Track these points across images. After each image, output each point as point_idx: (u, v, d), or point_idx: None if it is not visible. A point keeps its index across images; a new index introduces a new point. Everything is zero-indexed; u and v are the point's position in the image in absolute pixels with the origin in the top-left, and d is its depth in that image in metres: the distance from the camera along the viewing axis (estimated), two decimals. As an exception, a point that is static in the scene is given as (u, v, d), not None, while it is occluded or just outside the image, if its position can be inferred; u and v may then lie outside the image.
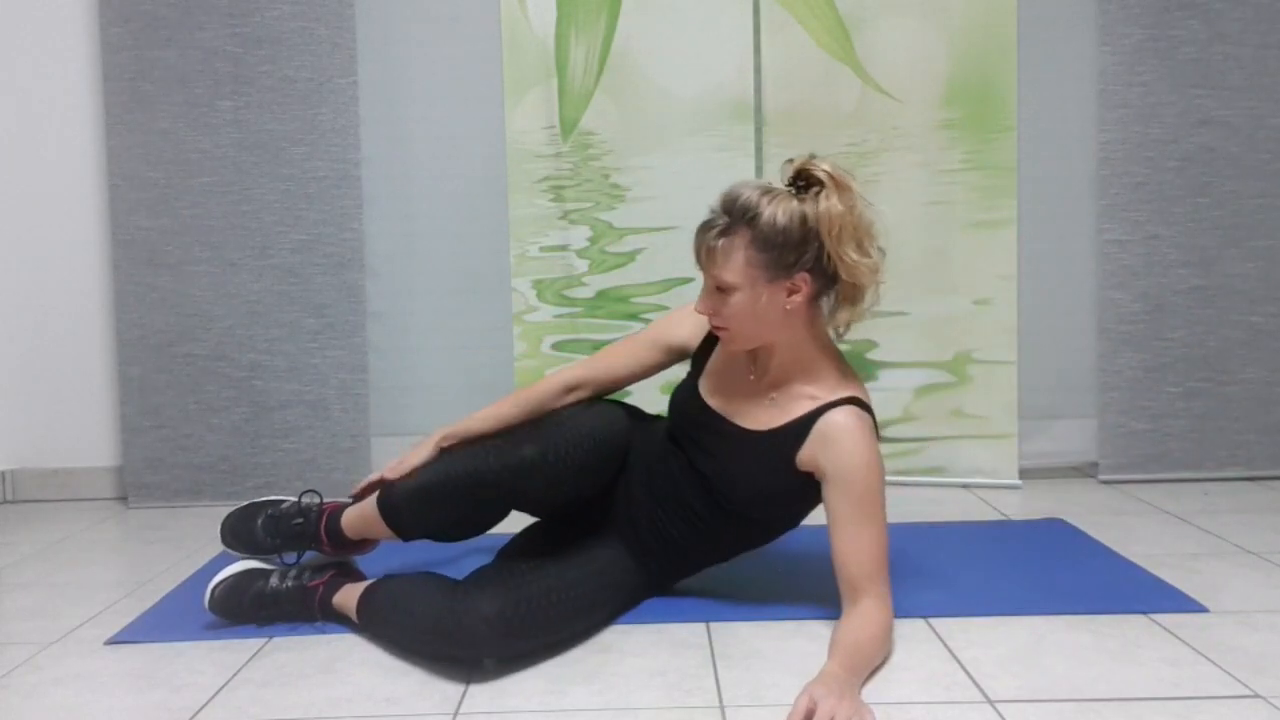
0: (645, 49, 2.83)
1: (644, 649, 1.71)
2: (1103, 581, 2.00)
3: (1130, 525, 2.41)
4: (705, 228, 1.68)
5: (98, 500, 2.97)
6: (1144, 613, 1.81)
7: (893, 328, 2.83)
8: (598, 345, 2.86)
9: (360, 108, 2.86)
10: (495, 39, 2.84)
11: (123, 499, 2.94)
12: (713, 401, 1.83)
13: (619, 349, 2.00)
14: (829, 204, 1.65)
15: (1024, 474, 2.84)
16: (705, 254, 1.68)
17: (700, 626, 1.80)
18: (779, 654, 1.68)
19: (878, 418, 1.77)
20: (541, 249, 2.87)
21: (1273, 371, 2.85)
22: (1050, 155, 2.90)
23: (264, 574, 1.87)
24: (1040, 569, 2.09)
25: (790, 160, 1.73)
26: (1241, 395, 2.85)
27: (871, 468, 1.68)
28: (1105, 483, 2.84)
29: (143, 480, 2.89)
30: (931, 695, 1.52)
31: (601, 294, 2.88)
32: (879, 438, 1.75)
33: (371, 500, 1.82)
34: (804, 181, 1.69)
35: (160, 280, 2.87)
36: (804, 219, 1.64)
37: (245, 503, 1.97)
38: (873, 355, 2.85)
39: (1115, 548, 2.20)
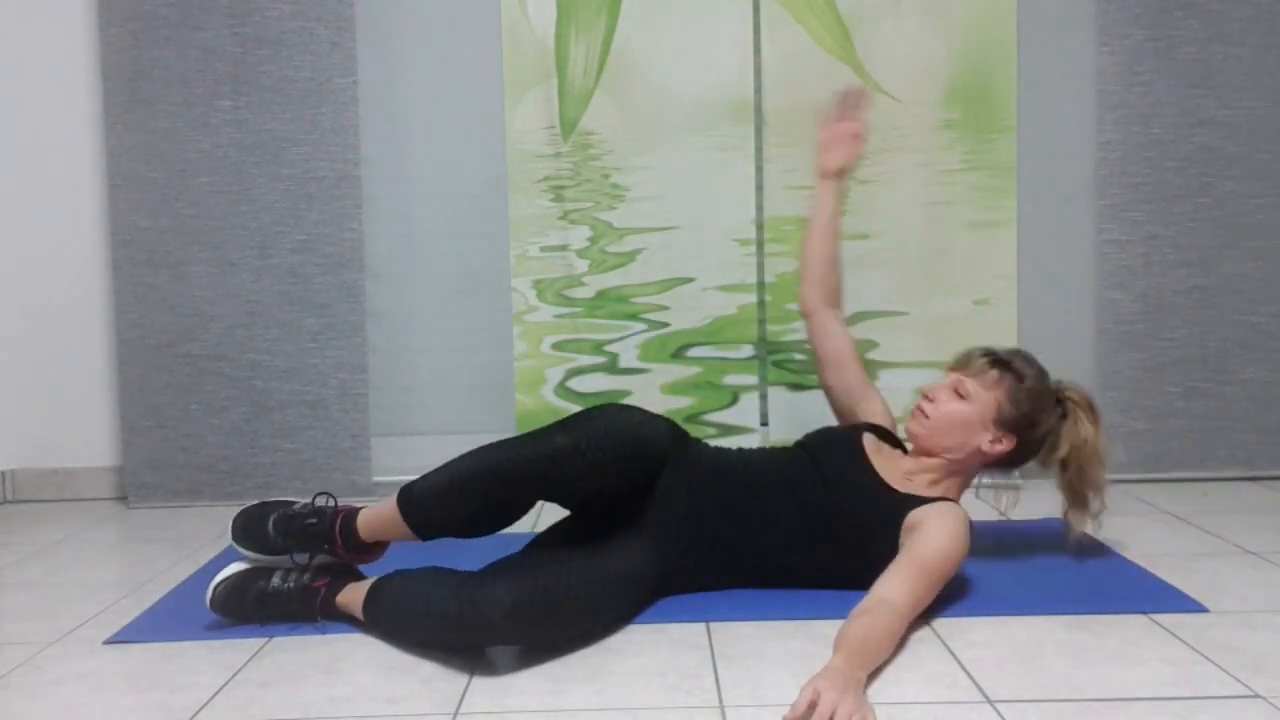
0: (645, 49, 2.83)
1: (644, 649, 1.72)
2: (1103, 581, 2.00)
3: (1130, 525, 2.41)
4: (985, 353, 1.99)
5: (98, 500, 2.97)
6: (1144, 613, 1.82)
7: (893, 328, 2.83)
8: (598, 345, 2.87)
9: (360, 108, 2.86)
10: (495, 39, 2.85)
11: (123, 499, 2.94)
12: (866, 450, 1.99)
13: (866, 380, 2.29)
14: (1085, 426, 2.02)
15: (1024, 474, 2.83)
16: (965, 360, 2.00)
17: (700, 626, 1.80)
18: (779, 654, 1.68)
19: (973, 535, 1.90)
20: (541, 249, 2.88)
21: (1272, 372, 2.85)
22: (1050, 155, 2.90)
23: (266, 573, 1.86)
24: (1040, 569, 2.09)
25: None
26: (1241, 395, 2.85)
27: (956, 539, 1.80)
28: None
29: (143, 480, 2.89)
30: (931, 695, 1.52)
31: (601, 294, 2.88)
32: (970, 544, 1.86)
33: (391, 499, 1.80)
34: (1063, 394, 2.04)
35: (160, 280, 2.87)
36: (1045, 404, 1.99)
37: (257, 501, 1.94)
38: (873, 355, 2.85)
39: (1115, 548, 2.20)
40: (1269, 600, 1.89)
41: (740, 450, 2.05)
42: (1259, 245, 2.83)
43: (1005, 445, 1.96)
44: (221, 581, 1.85)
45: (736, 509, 1.91)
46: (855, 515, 1.87)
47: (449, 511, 1.77)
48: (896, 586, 1.70)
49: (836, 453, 1.98)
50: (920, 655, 1.66)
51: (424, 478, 1.79)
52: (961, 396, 1.95)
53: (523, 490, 1.76)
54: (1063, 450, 2.00)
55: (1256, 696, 1.49)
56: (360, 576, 1.92)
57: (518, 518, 1.85)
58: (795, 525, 1.90)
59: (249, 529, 1.88)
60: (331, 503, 1.91)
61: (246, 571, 1.87)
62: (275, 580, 1.85)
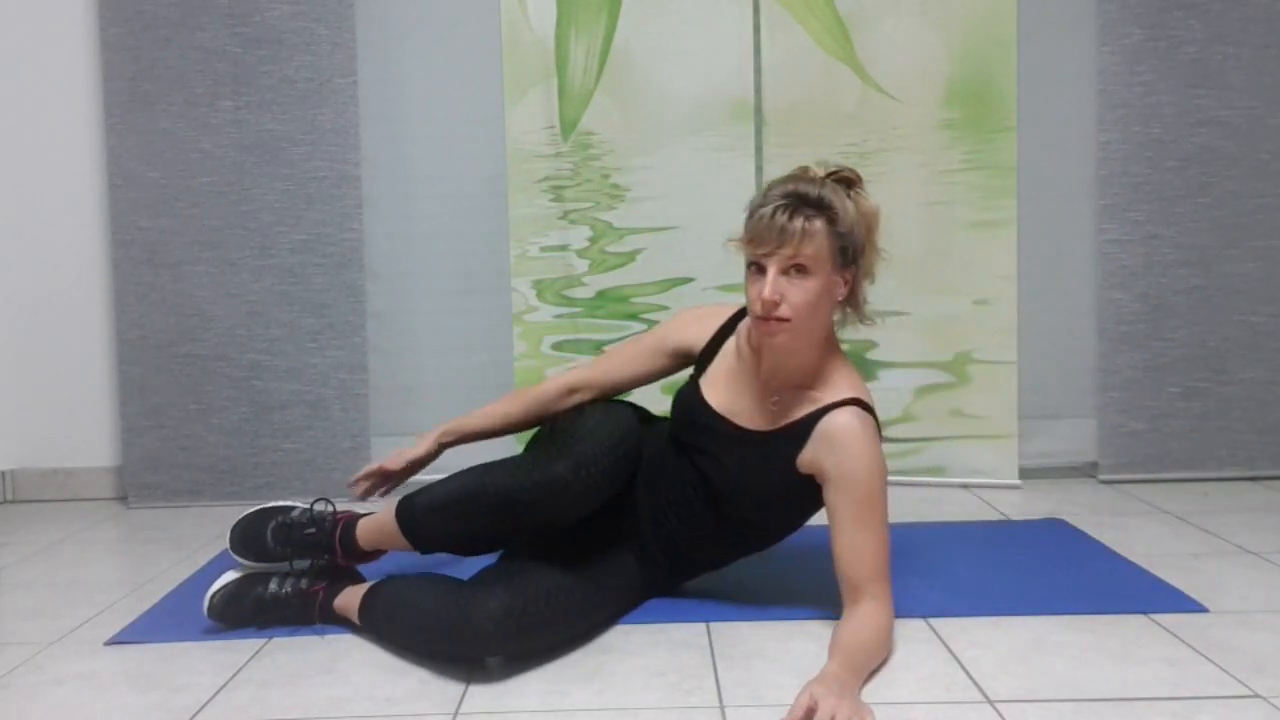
0: (645, 49, 2.83)
1: (644, 649, 1.72)
2: (1102, 581, 2.00)
3: (1130, 525, 2.41)
4: (784, 211, 1.66)
5: (98, 500, 2.97)
6: (1144, 613, 1.81)
7: (893, 328, 2.83)
8: (598, 345, 2.87)
9: (360, 108, 2.86)
10: (495, 39, 2.84)
11: (123, 499, 2.94)
12: (715, 403, 1.84)
13: (622, 354, 2.00)
14: (869, 202, 1.73)
15: (1024, 474, 2.84)
16: (782, 235, 1.65)
17: (700, 626, 1.80)
18: (779, 654, 1.68)
19: (879, 418, 1.77)
20: (541, 249, 2.88)
21: (1272, 371, 2.85)
22: (1050, 155, 2.90)
23: (263, 579, 1.86)
24: (1040, 569, 2.09)
25: (809, 164, 1.77)
26: (1241, 395, 2.85)
27: (874, 469, 1.68)
28: (1105, 483, 2.84)
29: (143, 480, 2.89)
30: (931, 695, 1.52)
31: (601, 294, 2.88)
32: (882, 439, 1.75)
33: (389, 511, 1.78)
34: (839, 180, 1.73)
35: (160, 280, 2.87)
36: (858, 215, 1.70)
37: (255, 508, 1.92)
38: (873, 355, 2.85)
39: (1115, 548, 2.20)
40: (1269, 600, 1.89)
41: (667, 438, 1.92)
42: (1259, 245, 2.83)
43: (849, 278, 1.72)
44: (219, 590, 1.85)
45: (672, 509, 1.86)
46: (752, 488, 1.78)
47: (447, 532, 1.75)
48: (867, 577, 1.64)
49: (701, 435, 1.83)
50: (920, 655, 1.66)
51: (423, 492, 1.76)
52: (802, 273, 1.67)
53: (521, 518, 1.71)
54: (875, 234, 1.74)
55: (1256, 696, 1.49)
56: (357, 576, 1.92)
57: (515, 541, 1.85)
58: (715, 515, 1.83)
59: (247, 539, 1.88)
60: (330, 508, 1.90)
61: (243, 578, 1.87)
62: (273, 586, 1.85)
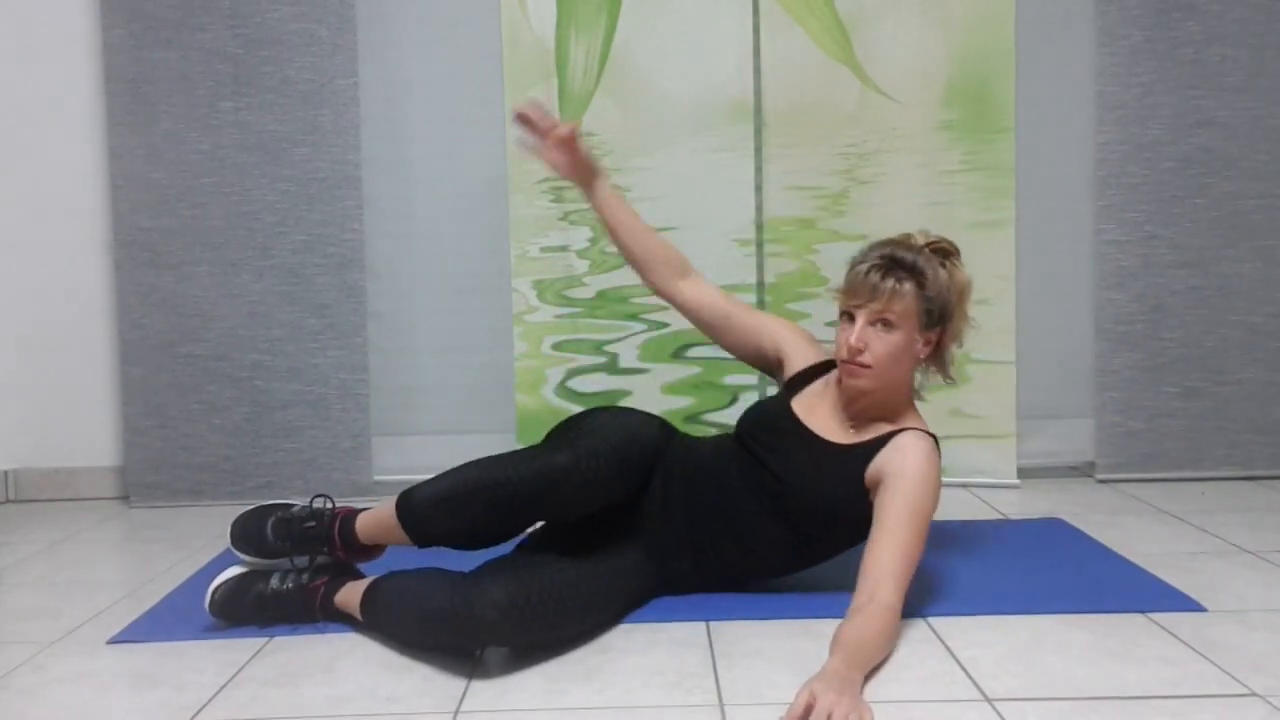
0: (645, 50, 2.83)
1: (644, 648, 1.72)
2: (1101, 581, 2.01)
3: (1128, 525, 2.42)
4: (878, 270, 1.83)
5: (99, 500, 2.97)
6: (1142, 612, 1.82)
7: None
8: (598, 345, 2.87)
9: (361, 109, 2.87)
10: (495, 40, 2.85)
11: (124, 499, 2.95)
12: (800, 415, 1.93)
13: (743, 306, 2.14)
14: (963, 273, 1.91)
15: (1022, 473, 2.84)
16: (874, 291, 1.82)
17: (700, 625, 1.81)
18: (779, 653, 1.68)
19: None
20: (542, 249, 2.88)
21: (1270, 371, 2.86)
22: (1048, 156, 2.91)
23: (264, 576, 1.87)
24: (1039, 568, 2.10)
25: (911, 234, 1.94)
26: (1239, 395, 2.86)
27: (927, 483, 1.76)
28: (1103, 482, 2.85)
29: (144, 480, 2.90)
30: (930, 694, 1.52)
31: (601, 294, 2.89)
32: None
33: (389, 505, 1.80)
34: (936, 249, 1.90)
35: (162, 281, 2.87)
36: (950, 284, 1.87)
37: (255, 505, 1.94)
38: (872, 355, 2.85)
39: (1113, 547, 2.21)
40: (1267, 599, 1.89)
41: (715, 444, 2.01)
42: (1257, 245, 2.84)
43: (934, 339, 1.88)
44: (220, 586, 1.86)
45: (716, 512, 1.90)
46: (818, 492, 1.84)
47: (447, 524, 1.75)
48: (885, 577, 1.67)
49: (777, 436, 1.92)
50: (919, 654, 1.67)
51: (424, 485, 1.77)
52: (888, 328, 1.83)
53: (520, 510, 1.74)
54: (965, 303, 1.91)
55: (1254, 695, 1.49)
56: (358, 573, 1.93)
57: (515, 535, 1.86)
58: (769, 519, 1.87)
59: (248, 534, 1.89)
60: (329, 505, 1.91)
61: (244, 575, 1.88)
62: (274, 582, 1.85)
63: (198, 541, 2.49)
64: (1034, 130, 2.87)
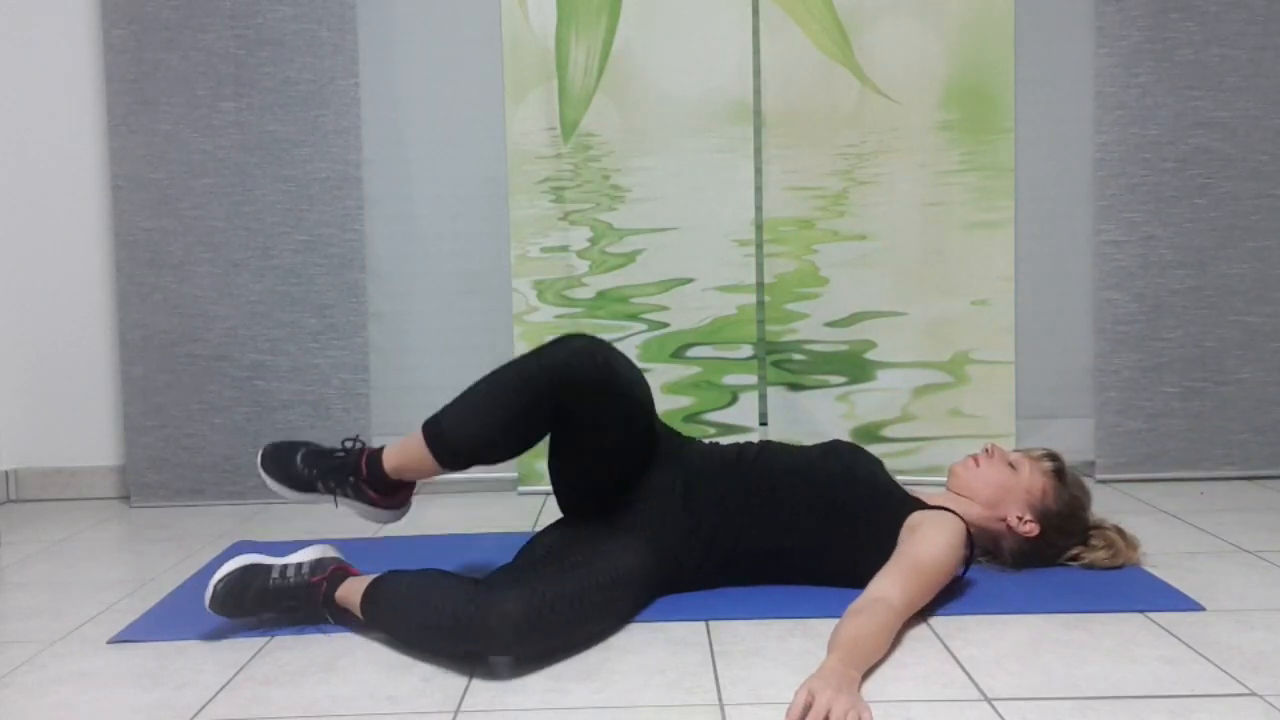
0: (645, 50, 2.84)
1: (644, 647, 1.73)
2: (1100, 580, 2.01)
3: (1127, 524, 2.41)
4: (1049, 453, 2.07)
5: (100, 499, 2.98)
6: (1141, 611, 1.83)
7: (891, 328, 2.85)
8: (598, 345, 2.88)
9: (362, 109, 2.87)
10: (496, 40, 2.86)
11: (125, 498, 2.95)
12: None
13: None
14: (1096, 555, 2.05)
15: (1022, 474, 2.84)
16: (1030, 450, 2.09)
17: (700, 625, 1.81)
18: (779, 652, 1.69)
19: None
20: (542, 250, 2.89)
21: (1269, 371, 2.86)
22: (1048, 156, 2.92)
23: (265, 570, 1.86)
24: (1038, 568, 2.09)
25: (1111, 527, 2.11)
26: (1238, 395, 2.86)
27: (949, 550, 1.81)
28: (1102, 482, 2.85)
29: (145, 480, 2.90)
30: (929, 693, 1.53)
31: (602, 294, 2.89)
32: (965, 564, 1.90)
33: (416, 431, 1.86)
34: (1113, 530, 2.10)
35: (163, 281, 2.88)
36: (1078, 530, 2.06)
37: (286, 440, 2.03)
38: (871, 355, 2.86)
39: (1112, 547, 2.21)
40: (1265, 599, 1.90)
41: (749, 444, 2.07)
42: (1256, 246, 2.85)
43: (1029, 529, 1.99)
44: (221, 579, 1.85)
45: (738, 501, 1.93)
46: (868, 508, 1.92)
47: (475, 432, 1.83)
48: (890, 586, 1.72)
49: (865, 459, 2.06)
50: (918, 653, 1.67)
51: (446, 407, 1.86)
52: (1014, 467, 2.02)
53: (539, 397, 1.80)
54: (1081, 562, 2.07)
55: (1253, 695, 1.50)
56: (359, 571, 1.93)
57: (536, 438, 1.88)
58: (803, 513, 1.92)
59: (279, 459, 1.94)
60: (359, 445, 1.96)
61: (246, 569, 1.87)
62: (275, 577, 1.86)
63: (198, 541, 2.49)
64: (1033, 130, 2.87)
